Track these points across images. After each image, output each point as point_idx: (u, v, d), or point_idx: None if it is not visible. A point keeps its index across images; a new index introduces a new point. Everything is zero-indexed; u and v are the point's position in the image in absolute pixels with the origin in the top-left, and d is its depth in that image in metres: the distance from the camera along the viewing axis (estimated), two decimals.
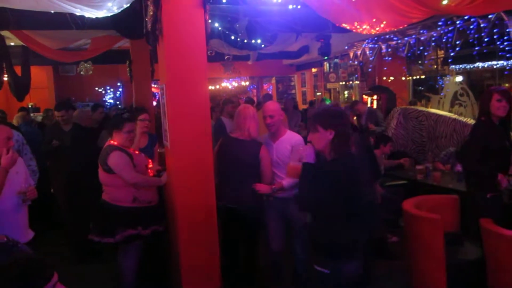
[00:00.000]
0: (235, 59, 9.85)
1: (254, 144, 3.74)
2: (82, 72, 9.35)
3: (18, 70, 7.54)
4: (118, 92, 13.24)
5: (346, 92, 11.77)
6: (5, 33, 6.48)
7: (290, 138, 3.75)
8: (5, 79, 7.19)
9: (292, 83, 15.13)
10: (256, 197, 3.68)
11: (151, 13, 3.32)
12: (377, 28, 4.68)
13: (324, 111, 2.66)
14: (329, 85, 12.16)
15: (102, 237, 3.67)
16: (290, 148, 3.67)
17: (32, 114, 8.66)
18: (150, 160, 4.14)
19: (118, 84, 12.98)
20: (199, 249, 3.42)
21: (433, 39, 7.21)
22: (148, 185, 3.83)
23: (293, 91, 14.84)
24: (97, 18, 4.40)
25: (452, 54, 7.23)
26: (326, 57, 8.21)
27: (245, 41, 5.57)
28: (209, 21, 3.40)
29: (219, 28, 5.55)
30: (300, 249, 3.84)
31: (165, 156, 4.09)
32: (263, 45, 5.87)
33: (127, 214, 3.65)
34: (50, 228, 5.74)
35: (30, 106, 9.59)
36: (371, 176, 3.85)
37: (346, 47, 9.24)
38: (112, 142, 3.76)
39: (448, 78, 8.03)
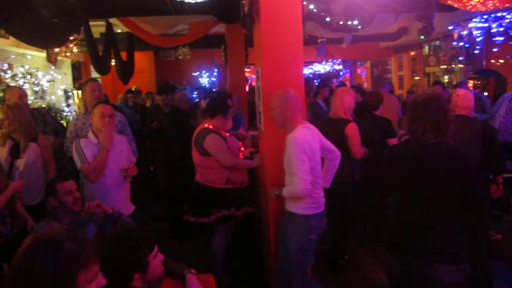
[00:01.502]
0: (329, 42, 9.65)
1: (340, 122, 3.97)
2: (180, 57, 9.77)
3: (123, 55, 8.07)
4: (214, 77, 13.64)
5: (446, 77, 10.97)
6: (113, 20, 6.95)
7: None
8: (112, 63, 7.75)
9: (388, 67, 14.45)
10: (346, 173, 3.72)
11: None
12: (489, 5, 4.24)
13: (416, 98, 2.49)
14: (428, 69, 11.41)
15: (197, 218, 3.82)
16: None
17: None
18: (240, 143, 4.23)
19: (214, 68, 13.36)
20: None
21: None
22: (241, 167, 3.89)
23: (389, 75, 14.18)
24: (195, 3, 4.52)
25: None
26: (422, 36, 7.59)
27: (341, 22, 5.39)
28: (305, 2, 3.32)
29: (314, 10, 5.43)
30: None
31: (258, 139, 4.13)
32: (359, 27, 5.63)
33: (221, 195, 3.76)
34: (149, 203, 6.12)
35: (133, 89, 10.23)
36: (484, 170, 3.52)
37: (450, 27, 8.57)
38: (206, 125, 3.86)
39: None
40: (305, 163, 2.81)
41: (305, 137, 2.91)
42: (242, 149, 4.16)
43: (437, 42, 10.74)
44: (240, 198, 3.84)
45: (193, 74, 13.53)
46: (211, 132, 3.77)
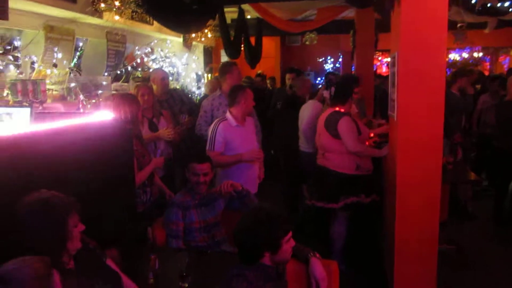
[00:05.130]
0: (469, 27, 8.83)
1: None
2: (307, 42, 9.75)
3: (252, 40, 8.30)
4: (338, 64, 13.39)
5: None
6: (244, 6, 7.16)
7: None
8: (242, 48, 8.02)
9: None
10: None
11: None
12: None
13: None
14: None
15: (325, 203, 3.84)
16: None
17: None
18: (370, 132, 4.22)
19: (339, 54, 13.10)
20: (415, 225, 3.23)
21: None
22: (368, 155, 3.87)
23: None
24: None
25: None
26: None
27: (489, 5, 4.88)
28: None
29: None
30: None
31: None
32: (510, 9, 5.03)
33: (351, 181, 3.76)
34: (270, 186, 6.25)
35: (259, 73, 10.50)
36: None
37: None
38: (337, 108, 3.89)
39: None
40: None
41: None
42: (372, 135, 4.19)
43: None
44: (369, 184, 3.80)
45: (317, 59, 13.42)
46: (344, 115, 3.83)
